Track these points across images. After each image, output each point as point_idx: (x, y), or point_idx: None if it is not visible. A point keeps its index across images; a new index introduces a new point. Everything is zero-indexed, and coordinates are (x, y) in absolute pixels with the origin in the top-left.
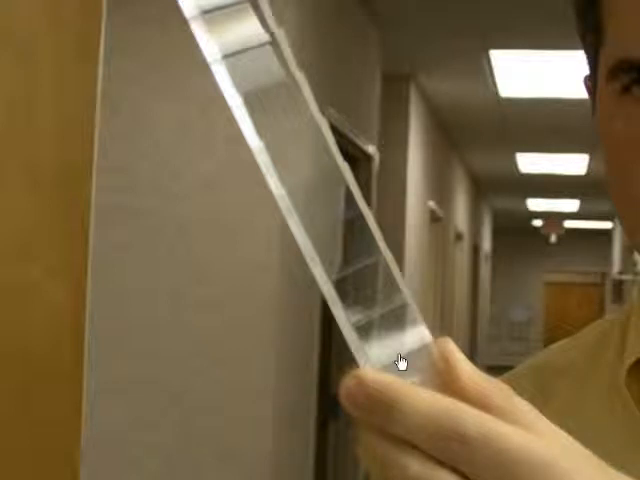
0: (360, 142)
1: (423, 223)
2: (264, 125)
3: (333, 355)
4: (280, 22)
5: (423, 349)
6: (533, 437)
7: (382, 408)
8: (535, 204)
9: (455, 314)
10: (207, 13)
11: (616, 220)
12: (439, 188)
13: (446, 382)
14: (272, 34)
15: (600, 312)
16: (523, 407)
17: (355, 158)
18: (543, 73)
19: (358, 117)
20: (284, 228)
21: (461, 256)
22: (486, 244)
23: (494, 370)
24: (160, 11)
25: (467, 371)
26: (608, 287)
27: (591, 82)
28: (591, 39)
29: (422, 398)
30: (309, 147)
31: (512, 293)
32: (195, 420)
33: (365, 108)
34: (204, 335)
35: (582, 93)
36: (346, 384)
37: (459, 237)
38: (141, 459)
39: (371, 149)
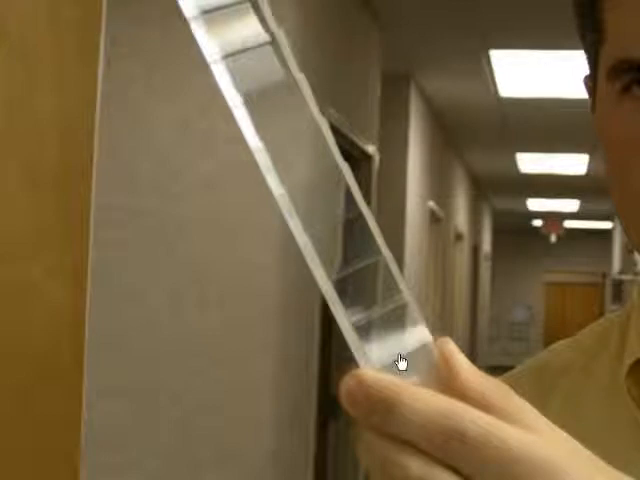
0: (360, 142)
1: (423, 223)
2: (264, 125)
3: (333, 355)
4: (280, 22)
5: (423, 349)
6: (533, 437)
7: (382, 408)
8: (535, 204)
9: (455, 314)
10: (207, 13)
11: (616, 220)
12: (439, 188)
13: (446, 382)
14: (272, 34)
15: (600, 312)
16: (523, 407)
17: (355, 158)
18: (543, 73)
19: (358, 117)
20: (284, 228)
21: (461, 256)
22: (486, 244)
23: (494, 370)
24: (160, 11)
25: (467, 371)
26: (608, 287)
27: (591, 82)
28: (591, 39)
29: (422, 398)
30: (309, 147)
31: (512, 293)
32: (195, 420)
33: (365, 108)
34: (204, 335)
35: (582, 93)
36: (346, 384)
37: (459, 237)
38: (141, 459)
39: (371, 149)
